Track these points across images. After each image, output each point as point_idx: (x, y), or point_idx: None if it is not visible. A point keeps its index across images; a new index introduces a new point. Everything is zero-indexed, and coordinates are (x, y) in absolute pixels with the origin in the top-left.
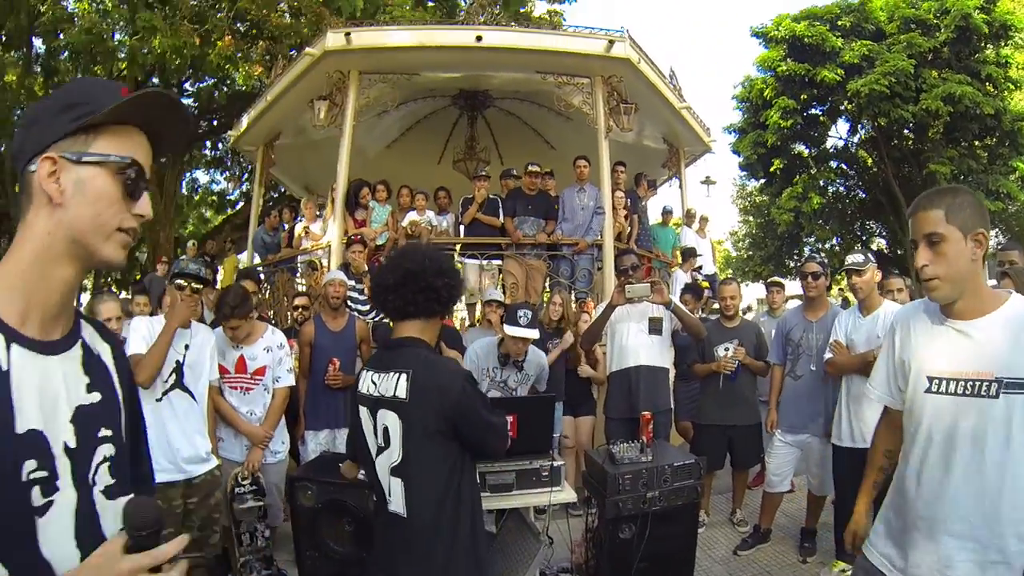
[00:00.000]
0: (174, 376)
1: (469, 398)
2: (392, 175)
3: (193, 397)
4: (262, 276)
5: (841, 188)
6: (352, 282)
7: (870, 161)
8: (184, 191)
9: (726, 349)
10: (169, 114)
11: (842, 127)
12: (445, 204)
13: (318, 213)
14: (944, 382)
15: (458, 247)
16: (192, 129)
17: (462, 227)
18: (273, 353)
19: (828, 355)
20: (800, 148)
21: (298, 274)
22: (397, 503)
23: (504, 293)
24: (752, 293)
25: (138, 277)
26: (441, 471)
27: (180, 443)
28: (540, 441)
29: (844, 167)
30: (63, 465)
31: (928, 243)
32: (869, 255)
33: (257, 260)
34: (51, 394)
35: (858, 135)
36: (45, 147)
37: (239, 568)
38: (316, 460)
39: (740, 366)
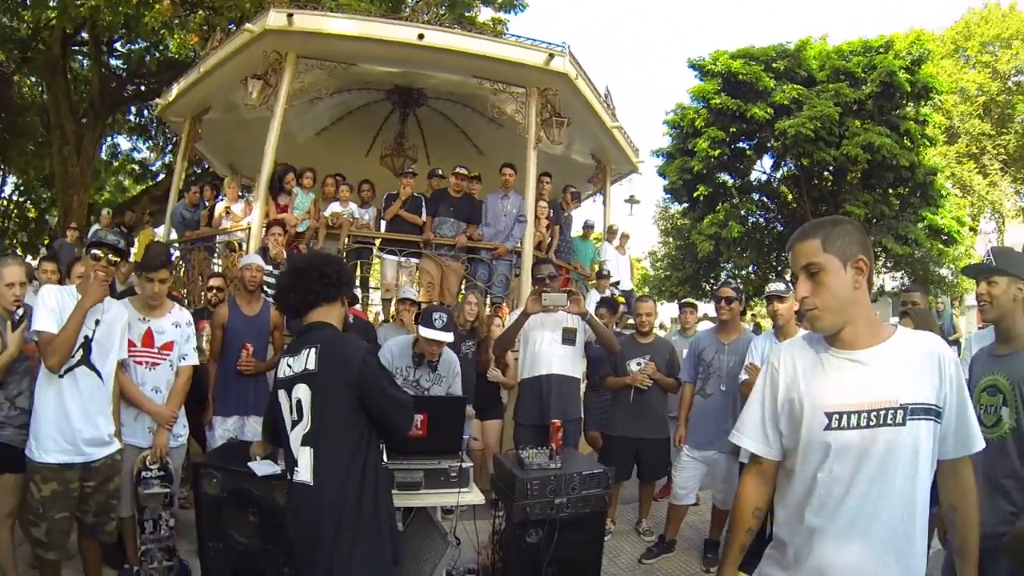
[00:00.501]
0: (81, 352)
1: (370, 369)
2: (319, 163)
3: (100, 376)
4: (177, 253)
5: (761, 219)
6: (269, 267)
7: (790, 197)
8: (104, 156)
9: (638, 364)
10: None
11: (767, 162)
12: (368, 197)
13: (241, 194)
14: (845, 416)
15: (377, 242)
16: None
17: (383, 222)
18: (181, 329)
19: (744, 376)
20: (725, 178)
21: (215, 254)
22: (304, 472)
23: (419, 292)
24: (667, 312)
25: (47, 242)
26: (347, 442)
27: (81, 424)
28: (449, 442)
29: (765, 200)
30: None
31: (807, 274)
32: (790, 284)
33: (174, 235)
34: None
35: (781, 171)
36: None
37: (139, 557)
38: (223, 447)
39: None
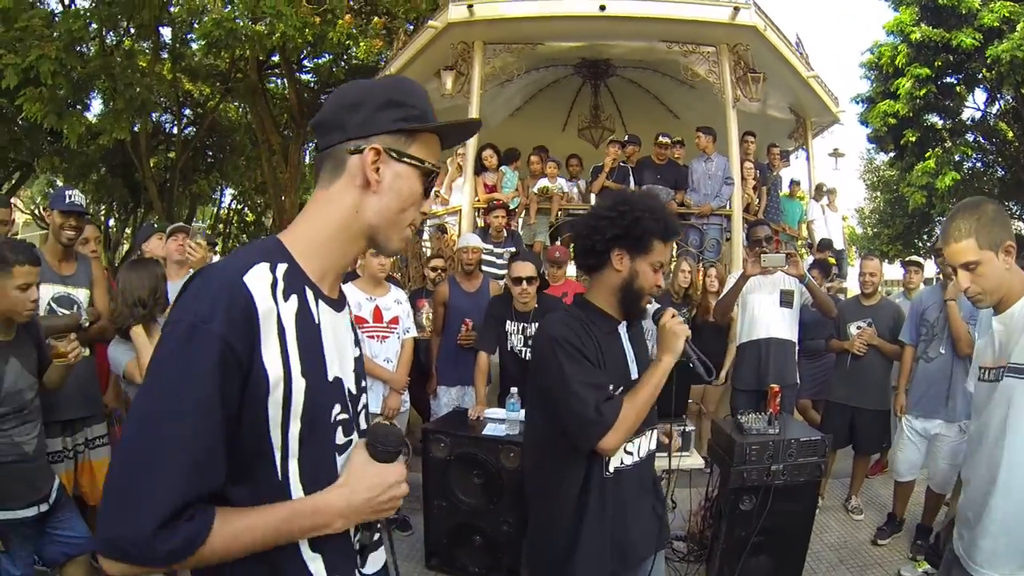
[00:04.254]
0: None
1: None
2: (517, 142)
3: None
4: None
5: (978, 164)
6: (490, 246)
7: (1011, 135)
8: (308, 160)
9: (859, 327)
10: (465, 133)
11: (980, 97)
12: (576, 171)
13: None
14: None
15: None
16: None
17: (592, 195)
18: (403, 305)
19: None
20: (934, 120)
21: (424, 236)
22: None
23: None
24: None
25: None
26: None
27: None
28: (676, 404)
29: (982, 141)
30: (345, 409)
31: (965, 269)
32: None
33: None
34: (340, 346)
35: (997, 106)
36: (369, 135)
37: None
38: (448, 415)
39: (870, 347)
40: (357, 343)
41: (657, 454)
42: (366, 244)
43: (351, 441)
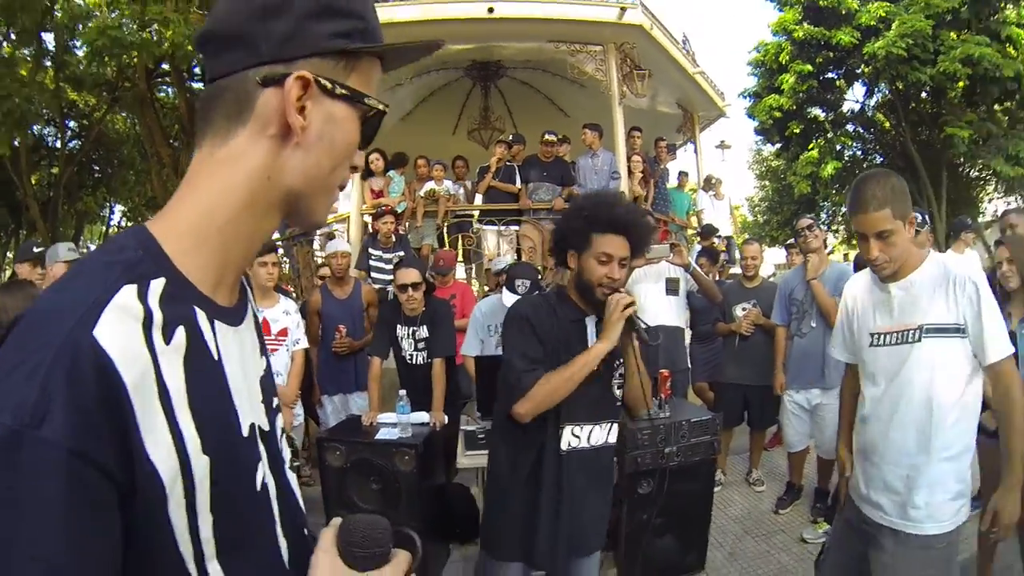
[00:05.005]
0: None
1: None
2: (408, 147)
3: None
4: (281, 250)
5: (858, 152)
6: (379, 252)
7: (887, 125)
8: None
9: (743, 309)
10: (420, 55)
11: (859, 91)
12: (463, 173)
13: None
14: (880, 336)
15: (476, 214)
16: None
17: (478, 195)
18: (291, 316)
19: None
20: (816, 112)
21: (316, 245)
22: None
23: (520, 257)
24: (769, 258)
25: None
26: None
27: None
28: None
29: (861, 131)
30: (267, 457)
31: (878, 237)
32: (924, 215)
33: (276, 234)
34: (248, 375)
35: (875, 98)
36: (293, 57)
37: None
38: (343, 423)
39: (756, 326)
40: (261, 351)
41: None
42: (281, 218)
43: (281, 495)
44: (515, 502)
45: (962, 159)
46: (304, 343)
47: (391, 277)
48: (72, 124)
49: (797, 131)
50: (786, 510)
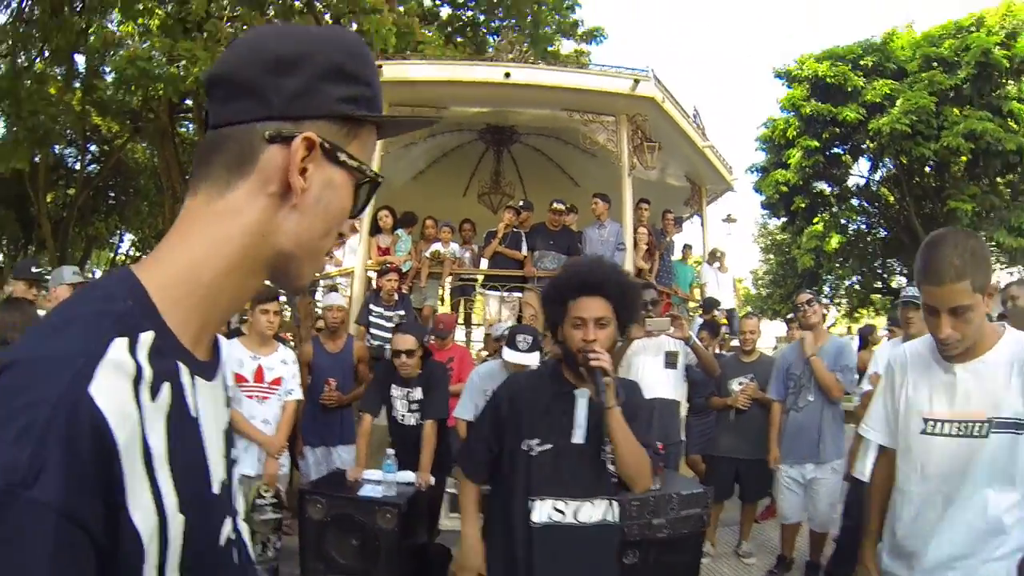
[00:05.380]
0: None
1: None
2: (418, 206)
3: None
4: (283, 299)
5: (863, 226)
6: (380, 308)
7: (892, 199)
8: None
9: (740, 384)
10: (417, 127)
11: (863, 165)
12: (469, 236)
13: (341, 240)
14: (938, 423)
15: (480, 279)
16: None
17: (484, 260)
18: (288, 366)
19: (867, 387)
20: (822, 186)
21: (319, 296)
22: None
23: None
24: (770, 331)
25: None
26: None
27: None
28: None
29: (865, 205)
30: (231, 515)
31: (952, 314)
32: None
33: None
34: (218, 427)
35: (880, 173)
36: (302, 117)
37: None
38: (327, 477)
39: (752, 400)
40: (227, 403)
41: None
42: (264, 279)
43: (242, 543)
44: (494, 568)
45: None
46: (298, 394)
47: (390, 335)
48: (93, 148)
49: (803, 205)
50: None
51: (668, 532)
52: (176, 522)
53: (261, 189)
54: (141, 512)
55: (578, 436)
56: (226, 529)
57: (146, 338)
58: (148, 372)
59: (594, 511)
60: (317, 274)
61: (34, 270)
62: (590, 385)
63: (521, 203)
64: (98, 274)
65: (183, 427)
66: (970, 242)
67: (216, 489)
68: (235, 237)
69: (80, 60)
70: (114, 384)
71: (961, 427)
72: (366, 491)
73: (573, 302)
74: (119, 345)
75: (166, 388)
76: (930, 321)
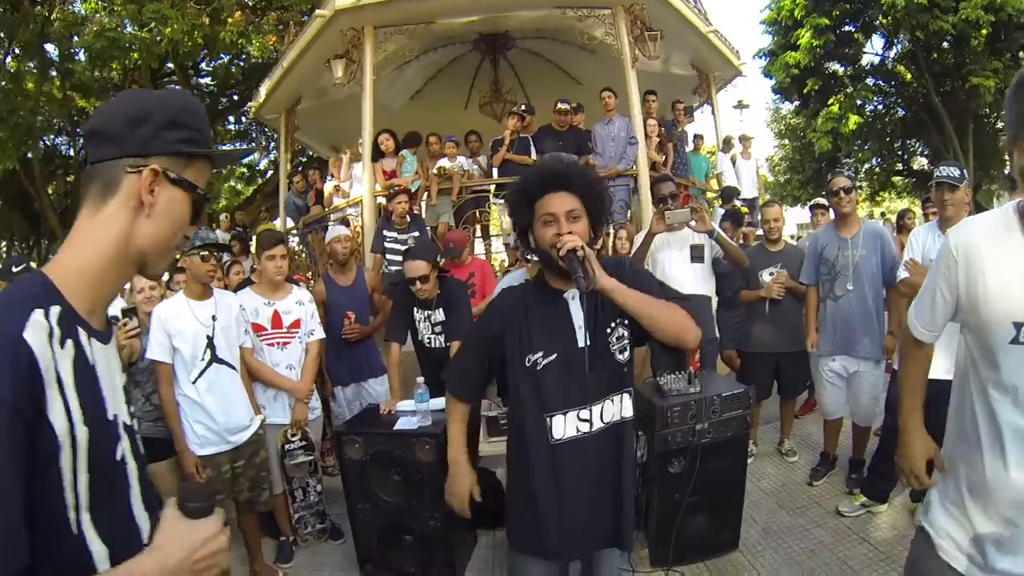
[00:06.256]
0: (208, 352)
1: None
2: (419, 126)
3: (232, 367)
4: (296, 239)
5: (879, 106)
6: (394, 233)
7: (909, 76)
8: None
9: (771, 274)
10: (236, 160)
11: (877, 43)
12: (476, 148)
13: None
14: None
15: (492, 189)
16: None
17: (494, 169)
18: (305, 307)
19: (904, 274)
20: (835, 67)
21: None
22: None
23: None
24: (791, 218)
25: (178, 255)
26: None
27: (223, 417)
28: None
29: (881, 84)
30: (128, 443)
31: None
32: (964, 170)
33: (291, 223)
34: (112, 381)
35: (895, 50)
36: (149, 154)
37: (292, 525)
38: (361, 414)
39: (785, 290)
40: (122, 368)
41: None
42: (134, 271)
43: (141, 476)
44: (518, 493)
45: (988, 109)
46: (320, 333)
47: None
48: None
49: (816, 88)
50: (820, 482)
51: (712, 436)
52: (82, 432)
53: (124, 205)
54: (57, 417)
55: (582, 338)
56: (120, 449)
57: (55, 310)
58: (57, 331)
59: (615, 408)
60: (326, 208)
61: (15, 269)
62: (574, 276)
63: (523, 107)
64: None
65: (84, 369)
66: None
67: (110, 416)
68: (111, 240)
69: (51, 49)
70: (37, 335)
71: None
72: (402, 424)
73: (540, 201)
74: (38, 314)
75: (70, 342)
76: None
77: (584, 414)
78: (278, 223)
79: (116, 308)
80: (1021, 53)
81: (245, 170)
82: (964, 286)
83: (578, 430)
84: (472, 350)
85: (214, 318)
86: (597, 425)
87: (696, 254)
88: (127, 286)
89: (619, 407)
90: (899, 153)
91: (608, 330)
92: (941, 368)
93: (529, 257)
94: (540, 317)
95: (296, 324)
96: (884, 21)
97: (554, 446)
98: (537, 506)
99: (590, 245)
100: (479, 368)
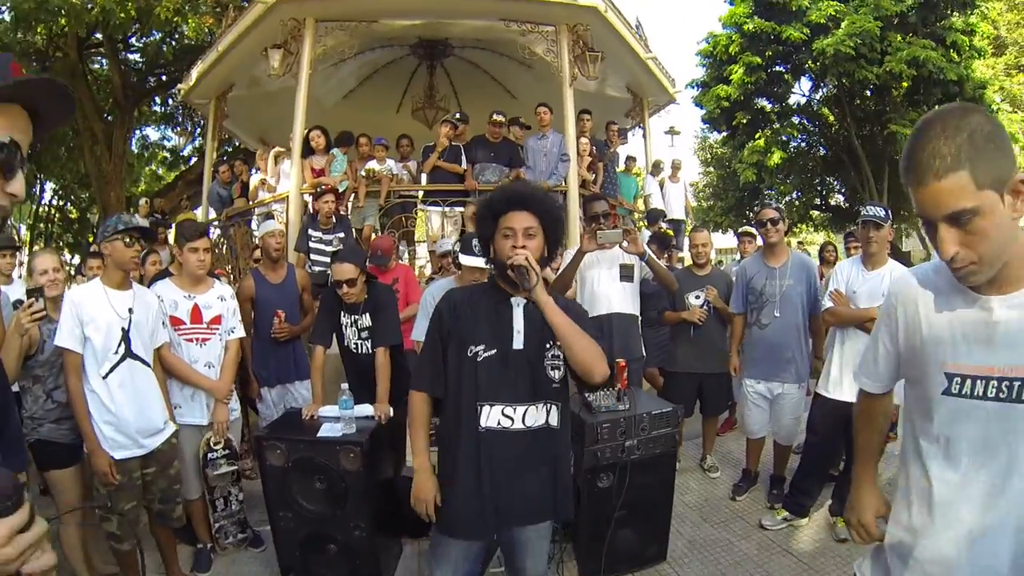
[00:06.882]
0: (122, 346)
1: None
2: (350, 125)
3: (146, 363)
4: (217, 231)
5: (803, 144)
6: (319, 233)
7: (832, 118)
8: (135, 149)
9: (697, 297)
10: (57, 101)
11: (805, 84)
12: (407, 152)
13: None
14: (969, 380)
15: (420, 195)
16: (74, 112)
17: (423, 175)
18: (226, 303)
19: (827, 304)
20: (763, 103)
21: (253, 225)
22: None
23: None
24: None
25: (91, 239)
26: None
27: (134, 417)
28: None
29: (806, 123)
30: None
31: (952, 222)
32: (888, 210)
33: (212, 215)
34: None
35: (821, 92)
36: None
37: (212, 534)
38: (283, 418)
39: (712, 310)
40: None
41: None
42: None
43: None
44: (444, 474)
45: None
46: (240, 331)
47: (329, 259)
48: None
49: (744, 121)
50: (743, 496)
51: (641, 453)
52: None
53: None
54: None
55: (518, 341)
56: None
57: None
58: None
59: (538, 415)
60: (250, 202)
61: None
62: (520, 285)
63: (457, 115)
64: (23, 231)
65: None
66: (969, 119)
67: None
68: None
69: None
70: None
71: (1006, 386)
72: (325, 431)
73: (503, 217)
74: None
75: None
76: (931, 239)
77: (508, 411)
78: (199, 212)
79: (19, 290)
80: (937, 107)
81: (168, 155)
82: (904, 335)
83: (500, 424)
84: (429, 346)
85: (131, 311)
86: (519, 425)
87: (625, 274)
88: (26, 267)
89: (544, 415)
90: (818, 188)
91: (547, 346)
92: (848, 392)
93: (465, 265)
94: (486, 314)
95: (217, 320)
96: (813, 66)
97: (481, 432)
98: (459, 485)
99: (546, 262)
100: (441, 361)
